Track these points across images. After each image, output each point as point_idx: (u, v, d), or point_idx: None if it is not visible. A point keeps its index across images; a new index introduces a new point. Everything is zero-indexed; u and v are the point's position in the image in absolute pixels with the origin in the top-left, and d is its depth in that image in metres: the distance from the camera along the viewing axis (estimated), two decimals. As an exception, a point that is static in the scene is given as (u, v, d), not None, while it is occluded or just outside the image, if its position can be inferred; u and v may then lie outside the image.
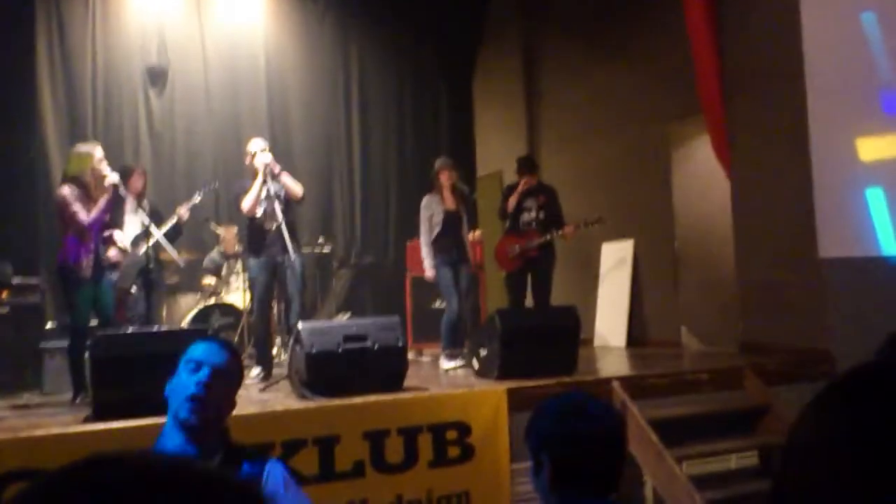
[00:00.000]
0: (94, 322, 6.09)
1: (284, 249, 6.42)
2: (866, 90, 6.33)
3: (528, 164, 7.97)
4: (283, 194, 6.65)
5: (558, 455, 1.97)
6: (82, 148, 6.15)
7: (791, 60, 6.65)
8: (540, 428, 2.03)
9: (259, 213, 6.62)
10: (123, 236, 6.42)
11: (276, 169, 6.66)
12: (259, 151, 6.69)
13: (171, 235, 7.15)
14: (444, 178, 7.26)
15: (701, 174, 8.16)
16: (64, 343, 6.43)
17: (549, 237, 7.55)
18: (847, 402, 0.62)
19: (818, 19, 6.56)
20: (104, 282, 6.08)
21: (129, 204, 6.64)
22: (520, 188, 7.70)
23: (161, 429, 2.44)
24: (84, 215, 5.83)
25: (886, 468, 0.56)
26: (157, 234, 6.68)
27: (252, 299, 6.89)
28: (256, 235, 6.69)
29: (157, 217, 7.01)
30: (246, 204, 6.59)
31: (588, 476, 1.97)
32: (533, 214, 7.70)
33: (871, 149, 6.28)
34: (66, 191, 5.87)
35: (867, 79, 6.32)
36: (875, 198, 6.19)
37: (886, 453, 0.56)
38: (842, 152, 6.43)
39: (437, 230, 7.20)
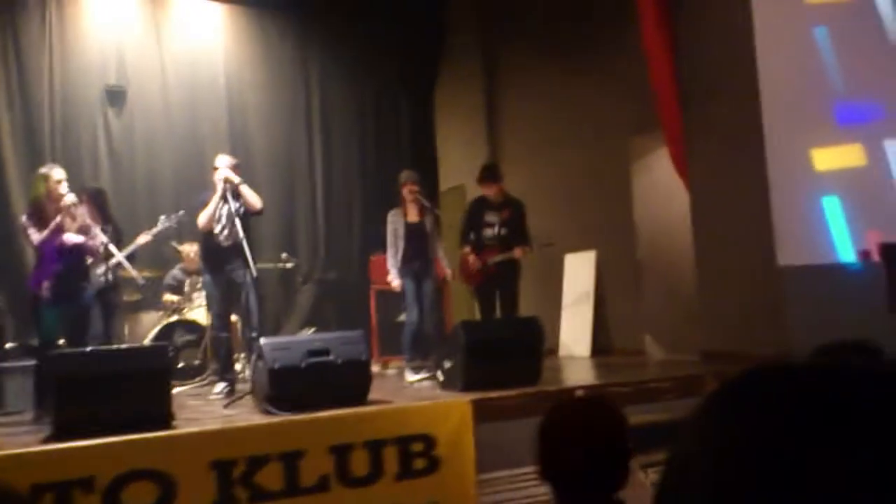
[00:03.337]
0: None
1: (244, 266, 6.39)
2: (820, 102, 6.46)
3: (489, 173, 7.70)
4: (242, 211, 6.62)
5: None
6: (41, 170, 6.17)
7: (746, 74, 6.77)
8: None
9: (217, 229, 6.59)
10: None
11: (236, 180, 6.64)
12: (223, 167, 6.67)
13: (129, 257, 7.06)
14: (406, 192, 7.27)
15: (661, 186, 8.25)
16: (24, 363, 6.37)
17: (507, 255, 7.41)
18: (731, 409, 0.62)
19: (772, 33, 6.69)
20: (73, 302, 6.03)
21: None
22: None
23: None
24: (35, 237, 5.81)
25: (769, 478, 0.56)
26: (118, 254, 6.60)
27: (211, 316, 6.85)
28: (212, 252, 6.65)
29: (117, 235, 6.92)
30: (202, 219, 6.56)
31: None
32: (495, 230, 7.53)
33: (825, 159, 6.40)
34: (24, 217, 5.95)
35: (820, 91, 6.45)
36: (831, 206, 6.31)
37: (769, 463, 0.56)
38: (797, 162, 6.54)
39: (401, 244, 7.20)
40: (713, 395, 0.64)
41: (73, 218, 6.10)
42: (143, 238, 7.24)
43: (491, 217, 7.58)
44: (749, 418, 0.59)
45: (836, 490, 0.54)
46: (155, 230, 7.35)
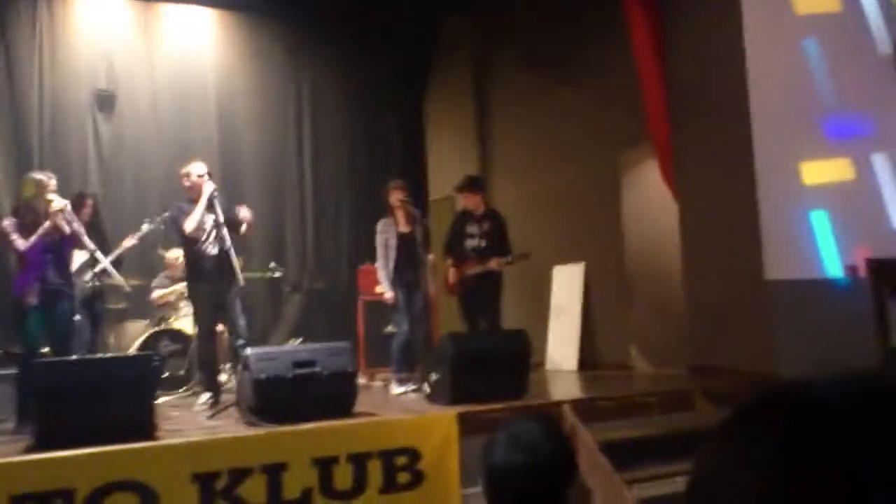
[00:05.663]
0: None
1: (230, 274, 6.34)
2: (809, 115, 6.45)
3: (466, 184, 7.72)
4: (223, 219, 6.53)
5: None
6: (36, 176, 6.09)
7: (736, 86, 6.76)
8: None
9: (202, 237, 6.52)
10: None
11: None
12: (204, 174, 6.62)
13: (114, 264, 7.01)
14: (393, 199, 7.23)
15: (650, 198, 8.25)
16: (6, 371, 6.30)
17: (484, 267, 7.36)
18: (758, 427, 0.61)
19: (762, 46, 6.68)
20: (57, 309, 5.96)
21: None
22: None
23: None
24: (21, 243, 5.74)
25: (796, 497, 0.55)
26: (104, 261, 6.55)
27: (197, 325, 6.79)
28: (198, 260, 6.57)
29: (103, 242, 6.87)
30: (189, 225, 6.44)
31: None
32: (475, 242, 7.52)
33: (814, 173, 6.39)
34: (6, 222, 5.85)
35: (810, 104, 6.44)
36: (819, 221, 6.30)
37: (797, 483, 0.55)
38: (786, 176, 6.53)
39: (393, 254, 7.15)
40: (741, 413, 0.62)
41: (63, 223, 5.98)
42: (129, 242, 7.21)
43: (472, 229, 7.58)
44: (783, 437, 0.58)
45: None
46: (139, 234, 7.32)
